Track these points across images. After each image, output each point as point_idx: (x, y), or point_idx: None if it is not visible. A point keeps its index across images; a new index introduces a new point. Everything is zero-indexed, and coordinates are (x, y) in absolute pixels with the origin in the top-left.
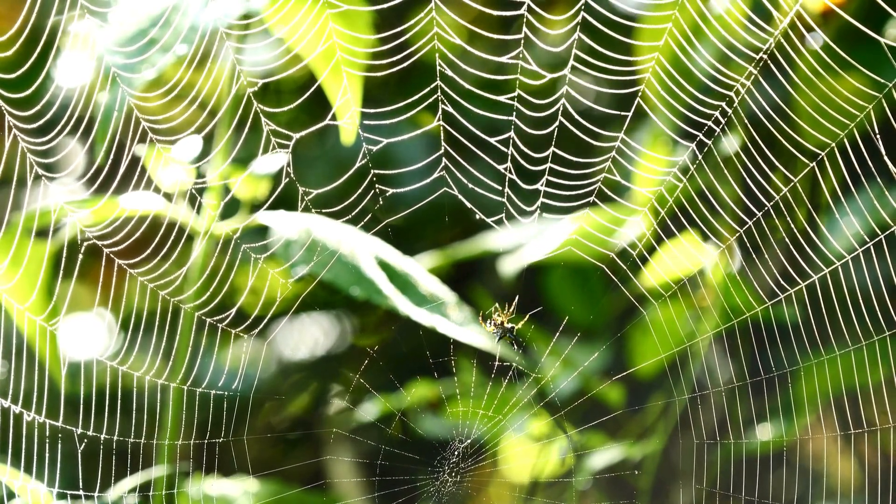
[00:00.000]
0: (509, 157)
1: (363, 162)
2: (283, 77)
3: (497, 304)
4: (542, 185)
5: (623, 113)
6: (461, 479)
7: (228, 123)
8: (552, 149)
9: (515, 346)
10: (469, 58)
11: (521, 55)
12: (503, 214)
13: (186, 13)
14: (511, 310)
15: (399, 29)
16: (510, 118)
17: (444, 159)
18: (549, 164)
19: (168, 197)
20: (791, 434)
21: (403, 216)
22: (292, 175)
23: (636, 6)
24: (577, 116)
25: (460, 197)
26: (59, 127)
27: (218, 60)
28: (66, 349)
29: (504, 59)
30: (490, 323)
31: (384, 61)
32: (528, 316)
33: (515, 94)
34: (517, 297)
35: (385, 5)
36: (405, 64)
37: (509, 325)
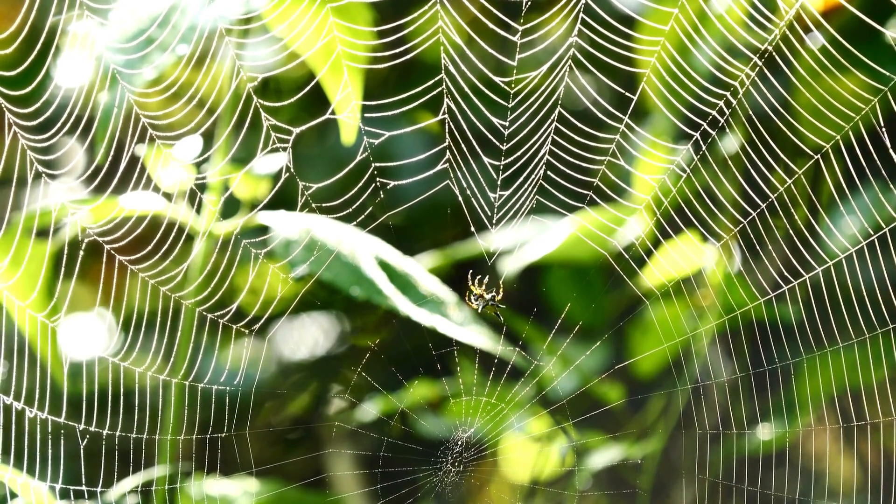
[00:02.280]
0: (504, 155)
1: (364, 156)
2: (283, 76)
3: (472, 277)
4: (538, 183)
5: (630, 96)
6: (464, 469)
7: (228, 122)
8: (550, 145)
9: (500, 317)
10: (472, 53)
11: (521, 52)
12: (494, 214)
13: (186, 12)
14: (486, 283)
15: (400, 22)
16: (511, 115)
17: (447, 152)
18: (547, 158)
19: (168, 196)
20: (792, 433)
21: (404, 213)
22: (292, 170)
23: (637, 5)
24: (588, 107)
25: (459, 198)
26: (59, 125)
27: (217, 59)
28: (67, 347)
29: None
30: (471, 297)
31: (385, 54)
32: (501, 284)
33: (516, 90)
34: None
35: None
36: (407, 57)
37: (489, 296)
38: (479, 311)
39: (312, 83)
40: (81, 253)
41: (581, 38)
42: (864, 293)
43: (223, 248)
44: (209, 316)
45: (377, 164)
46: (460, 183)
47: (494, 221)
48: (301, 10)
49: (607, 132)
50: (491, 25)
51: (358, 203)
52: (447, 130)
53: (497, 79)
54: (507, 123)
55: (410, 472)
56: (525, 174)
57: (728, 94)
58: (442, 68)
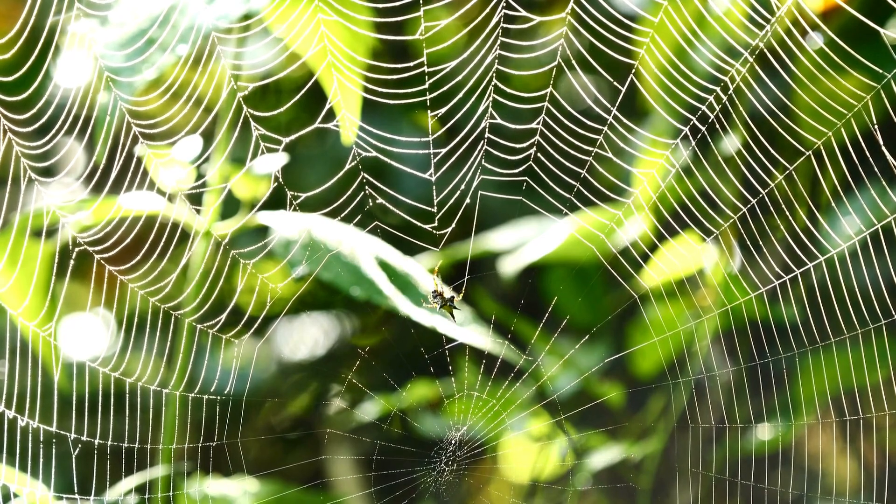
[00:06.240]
0: (483, 154)
1: (352, 164)
2: (283, 76)
3: (436, 274)
4: (524, 181)
5: (619, 86)
6: (458, 468)
7: (225, 124)
8: (535, 145)
9: (452, 316)
10: (466, 57)
11: (511, 53)
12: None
13: (186, 13)
14: (439, 281)
15: (398, 38)
16: (505, 116)
17: (435, 162)
18: (531, 163)
19: (161, 193)
20: (790, 433)
21: (401, 218)
22: (281, 180)
23: (633, 5)
24: (577, 106)
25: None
26: (53, 131)
27: (212, 59)
28: (62, 352)
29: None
30: (432, 295)
31: (383, 64)
32: (462, 286)
33: (504, 91)
34: (438, 263)
35: (385, 11)
36: (405, 74)
37: (449, 295)
38: (438, 308)
39: (309, 84)
40: (72, 262)
41: (575, 39)
42: (861, 293)
43: (223, 250)
44: (200, 326)
45: (366, 177)
46: (444, 187)
47: (468, 197)
48: (299, 11)
49: (597, 132)
50: (488, 14)
51: (355, 206)
52: (430, 138)
53: (494, 75)
54: (498, 122)
55: (407, 475)
56: (516, 174)
57: (718, 89)
58: (428, 77)
